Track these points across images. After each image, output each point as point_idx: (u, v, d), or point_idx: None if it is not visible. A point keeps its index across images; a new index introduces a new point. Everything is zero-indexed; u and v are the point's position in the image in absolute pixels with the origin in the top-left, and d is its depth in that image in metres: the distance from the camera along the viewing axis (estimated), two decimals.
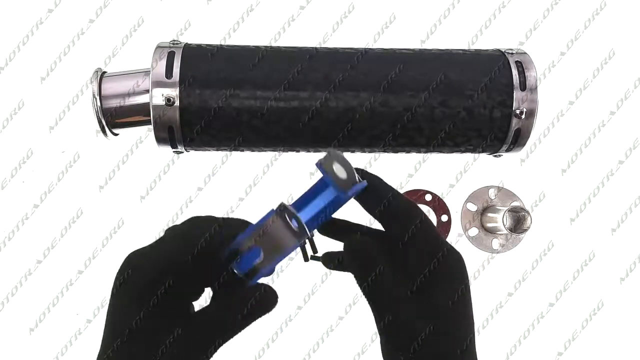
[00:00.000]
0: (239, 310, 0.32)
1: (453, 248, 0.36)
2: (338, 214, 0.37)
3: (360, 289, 0.34)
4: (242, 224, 0.36)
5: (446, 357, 0.32)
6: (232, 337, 0.33)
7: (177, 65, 0.51)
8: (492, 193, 0.68)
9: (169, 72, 0.50)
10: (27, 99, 0.64)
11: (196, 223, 0.36)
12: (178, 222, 0.37)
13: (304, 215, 0.35)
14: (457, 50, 0.56)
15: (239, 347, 0.38)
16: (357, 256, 0.34)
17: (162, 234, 0.36)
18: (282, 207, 0.35)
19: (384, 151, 0.56)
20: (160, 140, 0.53)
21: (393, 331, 0.33)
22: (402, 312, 0.33)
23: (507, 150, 0.56)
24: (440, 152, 0.56)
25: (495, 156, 0.59)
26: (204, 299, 0.36)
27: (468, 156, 0.65)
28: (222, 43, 0.55)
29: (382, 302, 0.33)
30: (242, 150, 0.56)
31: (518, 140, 0.54)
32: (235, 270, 0.35)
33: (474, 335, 0.34)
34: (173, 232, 0.36)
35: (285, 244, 0.34)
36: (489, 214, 0.67)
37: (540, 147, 0.65)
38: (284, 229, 0.34)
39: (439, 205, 0.68)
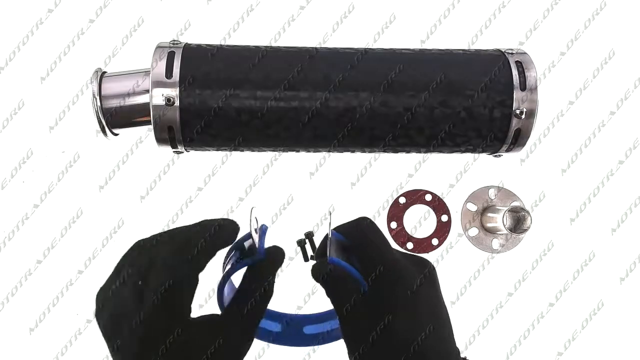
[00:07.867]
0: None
1: (395, 258, 0.39)
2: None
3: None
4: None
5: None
6: None
7: (177, 65, 0.50)
8: (492, 193, 0.68)
9: (169, 72, 0.50)
10: (27, 99, 0.64)
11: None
12: (178, 223, 0.37)
13: None
14: (457, 50, 0.56)
15: None
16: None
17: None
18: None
19: (384, 151, 0.56)
20: (160, 140, 0.53)
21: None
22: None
23: (507, 150, 0.56)
24: (440, 152, 0.56)
25: (495, 156, 0.59)
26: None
27: (468, 156, 0.65)
28: (222, 43, 0.55)
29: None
30: (242, 150, 0.56)
31: (518, 140, 0.54)
32: None
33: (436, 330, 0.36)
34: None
35: None
36: (489, 214, 0.67)
37: (540, 147, 0.65)
38: None
39: (439, 205, 0.68)
